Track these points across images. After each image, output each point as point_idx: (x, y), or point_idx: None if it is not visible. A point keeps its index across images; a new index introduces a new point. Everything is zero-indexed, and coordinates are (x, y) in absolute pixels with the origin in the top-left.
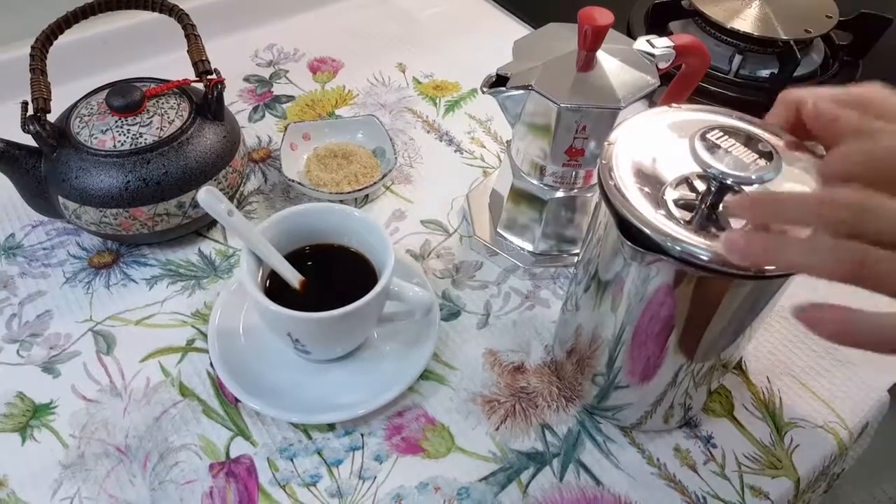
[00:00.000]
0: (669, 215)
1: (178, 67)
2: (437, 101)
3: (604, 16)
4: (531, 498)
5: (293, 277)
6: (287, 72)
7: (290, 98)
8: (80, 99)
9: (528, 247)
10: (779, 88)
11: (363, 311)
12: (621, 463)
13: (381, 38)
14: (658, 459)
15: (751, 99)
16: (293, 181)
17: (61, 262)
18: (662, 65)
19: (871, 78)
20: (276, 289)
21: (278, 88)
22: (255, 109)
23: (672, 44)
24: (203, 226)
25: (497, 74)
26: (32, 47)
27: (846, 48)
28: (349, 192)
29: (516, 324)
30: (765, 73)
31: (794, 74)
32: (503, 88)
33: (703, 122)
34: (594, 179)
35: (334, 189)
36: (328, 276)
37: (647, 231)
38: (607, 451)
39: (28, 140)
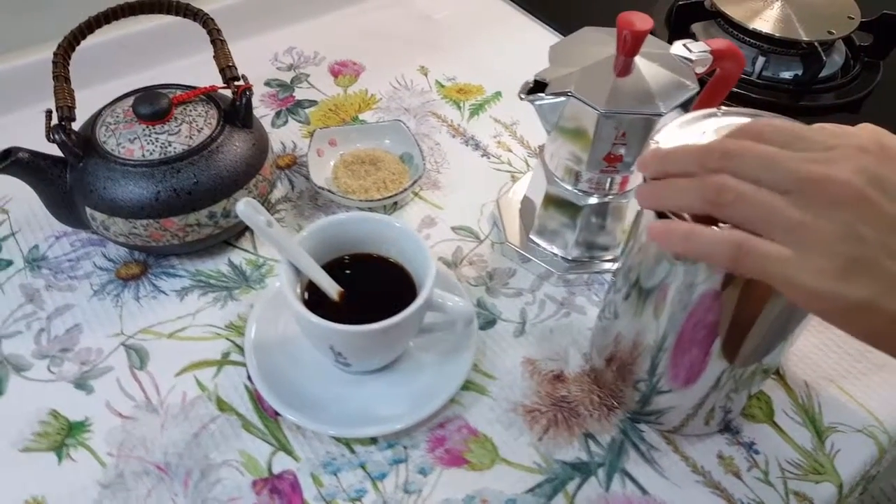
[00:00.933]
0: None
1: (198, 72)
2: (462, 104)
3: (643, 21)
4: None
5: (332, 289)
6: (308, 76)
7: (313, 103)
8: (105, 107)
9: (562, 253)
10: (803, 91)
11: (406, 323)
12: (666, 471)
13: (400, 40)
14: (702, 467)
15: (774, 101)
16: (322, 188)
17: (88, 273)
18: (699, 69)
19: (892, 79)
20: (314, 300)
21: (300, 93)
22: (277, 115)
23: (709, 48)
24: (232, 235)
25: (535, 80)
26: (55, 54)
27: (867, 49)
28: (379, 200)
29: (553, 331)
30: (788, 74)
31: (802, 74)
32: (542, 95)
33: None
34: (630, 185)
35: (363, 196)
36: (367, 287)
37: None
38: (651, 459)
39: (51, 149)
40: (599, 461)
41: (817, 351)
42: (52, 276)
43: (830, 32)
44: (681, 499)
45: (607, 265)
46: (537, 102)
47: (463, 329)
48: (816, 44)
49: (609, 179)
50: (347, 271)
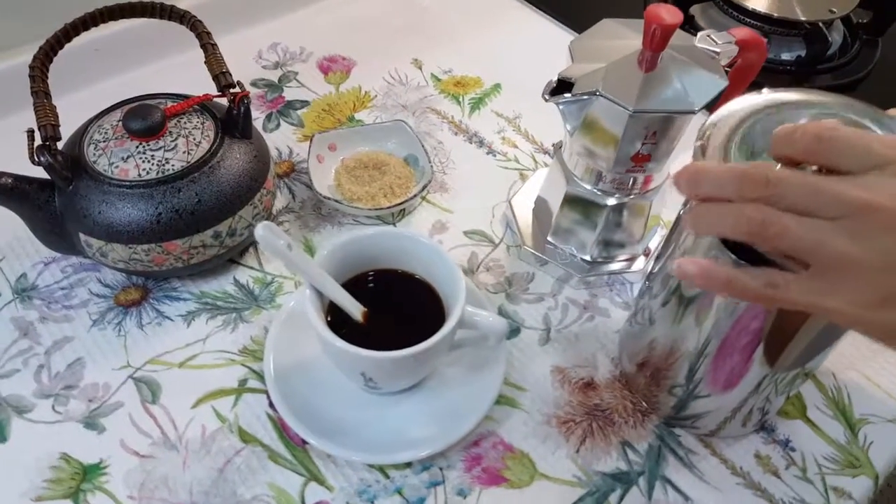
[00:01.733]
0: None
1: (175, 75)
2: (461, 99)
3: (672, 14)
4: None
5: (356, 310)
6: (296, 73)
7: (305, 103)
8: (90, 122)
9: (582, 254)
10: (806, 72)
11: (440, 345)
12: (706, 475)
13: (389, 31)
14: (741, 468)
15: (777, 84)
16: (328, 198)
17: (84, 302)
18: (724, 61)
19: (891, 57)
20: (337, 320)
21: (290, 93)
22: (268, 118)
23: (734, 38)
24: (237, 252)
25: (558, 79)
26: (31, 67)
27: (865, 26)
28: (388, 208)
29: (579, 337)
30: (789, 56)
31: (805, 56)
32: (568, 95)
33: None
34: (653, 184)
35: (370, 204)
36: (391, 305)
37: None
38: (690, 463)
39: (32, 170)
40: (639, 470)
41: (842, 341)
42: (46, 307)
43: (832, 11)
44: (724, 502)
45: (628, 265)
46: (562, 103)
47: (495, 344)
48: (821, 24)
49: (632, 178)
50: (371, 285)
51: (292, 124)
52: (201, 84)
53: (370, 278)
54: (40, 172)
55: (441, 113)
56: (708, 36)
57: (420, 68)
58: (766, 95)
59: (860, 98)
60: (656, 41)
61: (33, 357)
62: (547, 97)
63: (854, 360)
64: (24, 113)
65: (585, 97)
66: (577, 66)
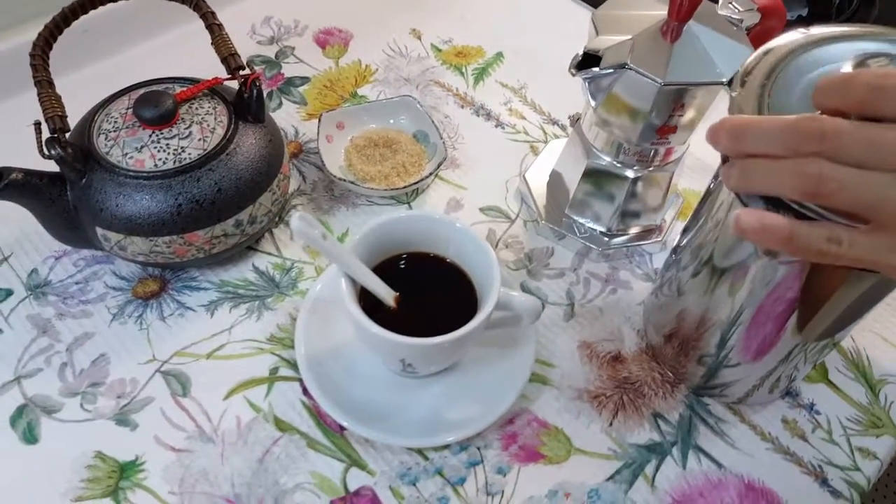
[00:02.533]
0: None
1: (168, 54)
2: (464, 70)
3: None
4: (660, 491)
5: (388, 296)
6: (293, 49)
7: (305, 79)
8: (96, 111)
9: (602, 227)
10: None
11: (480, 327)
12: (737, 442)
13: (384, 1)
14: (770, 433)
15: None
16: (342, 179)
17: (101, 296)
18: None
19: (889, 13)
20: (369, 305)
21: (288, 69)
22: (269, 96)
23: (755, 5)
24: (255, 239)
25: (584, 52)
26: (32, 55)
27: None
28: (403, 188)
29: (603, 311)
30: (791, 15)
31: (807, 15)
32: (596, 69)
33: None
34: (674, 155)
35: (384, 184)
36: (423, 289)
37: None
38: (721, 431)
39: (37, 163)
40: (672, 440)
41: None
42: (62, 303)
43: None
44: (755, 468)
45: (647, 236)
46: (590, 77)
47: (529, 324)
48: None
49: (654, 150)
50: (401, 269)
51: (295, 102)
52: (195, 63)
53: (401, 262)
54: (44, 164)
55: (445, 85)
56: (730, 3)
57: (419, 39)
58: (794, 36)
59: None
60: (684, 11)
61: (55, 355)
62: (574, 71)
63: (870, 322)
64: (14, 100)
65: (614, 71)
66: (602, 39)
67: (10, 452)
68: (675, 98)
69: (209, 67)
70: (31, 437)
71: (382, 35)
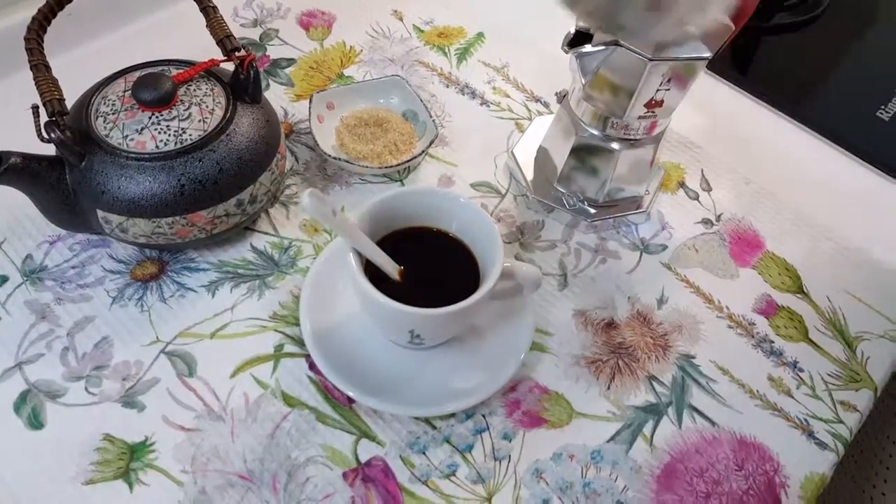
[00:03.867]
0: None
1: (152, 37)
2: (447, 50)
3: None
4: (659, 450)
5: (393, 269)
6: (277, 31)
7: (291, 61)
8: (92, 93)
9: (589, 200)
10: (770, 9)
11: (486, 297)
12: (727, 400)
13: None
14: (757, 391)
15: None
16: (337, 158)
17: (99, 279)
18: None
19: None
20: (373, 279)
21: (273, 51)
22: None
23: None
24: (253, 220)
25: (576, 31)
26: (27, 38)
27: None
28: (396, 165)
29: (594, 280)
30: None
31: None
32: (588, 47)
33: None
34: (657, 129)
35: (377, 162)
36: (425, 262)
37: None
38: (712, 391)
39: (34, 147)
40: (667, 401)
41: (831, 265)
42: (60, 288)
43: None
44: (746, 424)
45: (632, 207)
46: (582, 55)
47: (529, 293)
48: None
49: (640, 124)
50: (405, 240)
51: (282, 84)
52: (181, 46)
53: (404, 237)
54: (41, 148)
55: (429, 65)
56: None
57: (401, 20)
58: None
59: (817, 33)
60: None
61: (56, 340)
62: (566, 49)
63: (843, 283)
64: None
65: (606, 48)
66: None
67: (16, 438)
68: (664, 73)
69: (196, 49)
70: (36, 422)
71: (364, 17)
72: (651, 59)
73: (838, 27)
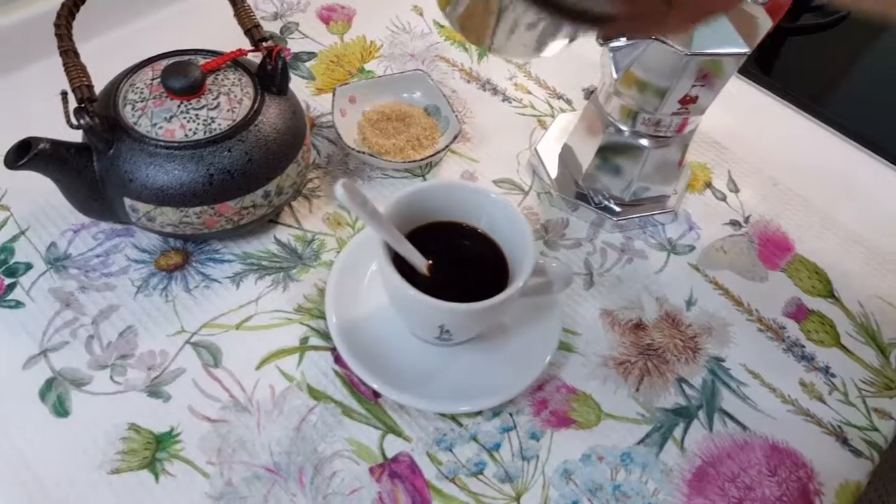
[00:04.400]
0: None
1: (175, 26)
2: (468, 46)
3: None
4: (689, 453)
5: (421, 263)
6: (297, 24)
7: (312, 55)
8: (120, 81)
9: (616, 198)
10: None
11: (517, 293)
12: (759, 405)
13: None
14: (789, 396)
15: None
16: (360, 151)
17: (123, 268)
18: (761, 1)
19: None
20: (400, 273)
21: (294, 45)
22: None
23: None
24: (278, 212)
25: None
26: (56, 25)
27: None
28: (419, 161)
29: (621, 279)
30: None
31: None
32: (622, 41)
33: None
34: (688, 127)
35: (399, 157)
36: (453, 257)
37: None
38: (743, 395)
39: (61, 133)
40: (697, 404)
41: (860, 268)
42: (84, 276)
43: None
44: (778, 430)
45: (659, 206)
46: (616, 49)
47: (559, 290)
48: None
49: (671, 121)
50: (433, 235)
51: (303, 77)
52: (199, 36)
53: (432, 231)
54: (71, 135)
55: (450, 61)
56: None
57: (421, 15)
58: None
59: (843, 34)
60: None
61: (81, 328)
62: (601, 42)
63: (875, 289)
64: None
65: (641, 42)
66: None
67: (42, 426)
68: (700, 68)
69: (216, 41)
70: (62, 410)
71: (385, 11)
72: (688, 54)
73: (864, 28)
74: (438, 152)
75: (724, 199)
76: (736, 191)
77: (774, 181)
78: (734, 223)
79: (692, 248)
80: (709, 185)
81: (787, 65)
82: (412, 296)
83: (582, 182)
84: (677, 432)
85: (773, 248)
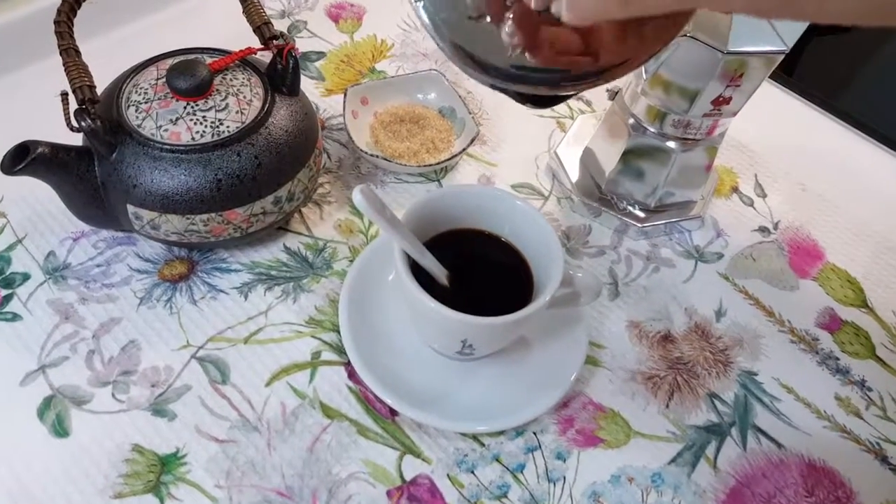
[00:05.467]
0: None
1: (177, 26)
2: None
3: None
4: (723, 472)
5: (441, 274)
6: (306, 23)
7: (321, 55)
8: (122, 81)
9: (640, 204)
10: None
11: (544, 306)
12: (794, 421)
13: None
14: (825, 411)
15: None
16: (374, 155)
17: (125, 279)
18: None
19: None
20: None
21: (302, 44)
22: None
23: None
24: (287, 219)
25: None
26: (57, 22)
27: None
28: (434, 165)
29: (647, 289)
30: None
31: None
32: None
33: None
34: (718, 129)
35: (414, 160)
36: (474, 267)
37: None
38: (777, 411)
39: (60, 136)
40: (730, 420)
41: (894, 277)
42: (84, 287)
43: None
44: (815, 447)
45: (686, 212)
46: None
47: (587, 302)
48: None
49: (701, 123)
50: (452, 245)
51: (312, 78)
52: (205, 36)
53: (451, 239)
54: (71, 138)
55: None
56: None
57: None
58: None
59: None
60: None
61: (81, 342)
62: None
63: None
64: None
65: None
66: None
67: (41, 446)
68: (736, 67)
69: (221, 41)
70: (61, 430)
71: (396, 8)
72: (725, 53)
73: (892, 30)
74: (455, 156)
75: (751, 204)
76: (763, 196)
77: (803, 186)
78: (763, 230)
79: (720, 256)
80: (735, 189)
81: (811, 65)
82: (433, 308)
83: (605, 187)
84: (710, 451)
85: (804, 256)
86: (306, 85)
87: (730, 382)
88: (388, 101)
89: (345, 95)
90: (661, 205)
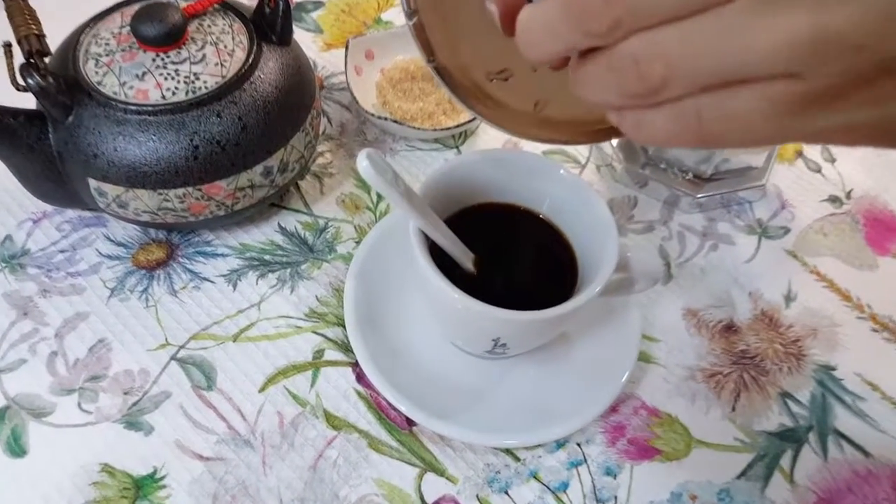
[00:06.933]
0: None
1: None
2: None
3: None
4: (801, 487)
5: (466, 258)
6: None
7: (318, 4)
8: (80, 31)
9: (693, 171)
10: None
11: (594, 298)
12: (881, 424)
13: None
14: None
15: None
16: (382, 118)
17: (94, 266)
18: None
19: None
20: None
21: None
22: None
23: None
24: (281, 194)
25: None
26: None
27: None
28: (452, 128)
29: (705, 271)
30: None
31: None
32: None
33: None
34: None
35: (427, 123)
36: (505, 250)
37: None
38: (861, 412)
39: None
40: (806, 425)
41: None
42: (45, 277)
43: None
44: None
45: (746, 180)
46: None
47: (644, 289)
48: None
49: None
50: (478, 221)
51: (309, 30)
52: None
53: (477, 215)
54: (22, 100)
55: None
56: None
57: None
58: None
59: None
60: None
61: (41, 342)
62: None
63: None
64: None
65: None
66: None
67: None
68: None
69: None
70: (17, 447)
71: None
72: None
73: None
74: (474, 118)
75: (818, 170)
76: (832, 160)
77: (878, 150)
78: (834, 199)
79: (787, 231)
80: (800, 154)
81: None
82: (457, 300)
83: (652, 152)
84: (785, 461)
85: (882, 230)
86: (302, 38)
87: (805, 379)
88: (398, 54)
89: (346, 48)
90: (716, 172)
